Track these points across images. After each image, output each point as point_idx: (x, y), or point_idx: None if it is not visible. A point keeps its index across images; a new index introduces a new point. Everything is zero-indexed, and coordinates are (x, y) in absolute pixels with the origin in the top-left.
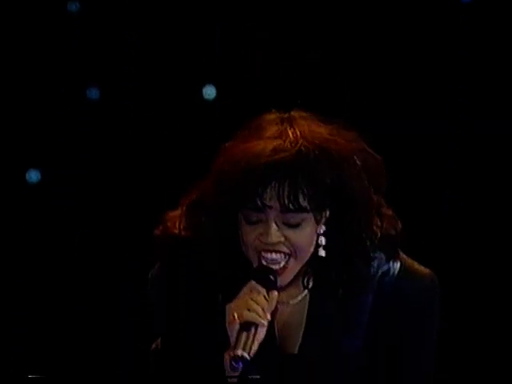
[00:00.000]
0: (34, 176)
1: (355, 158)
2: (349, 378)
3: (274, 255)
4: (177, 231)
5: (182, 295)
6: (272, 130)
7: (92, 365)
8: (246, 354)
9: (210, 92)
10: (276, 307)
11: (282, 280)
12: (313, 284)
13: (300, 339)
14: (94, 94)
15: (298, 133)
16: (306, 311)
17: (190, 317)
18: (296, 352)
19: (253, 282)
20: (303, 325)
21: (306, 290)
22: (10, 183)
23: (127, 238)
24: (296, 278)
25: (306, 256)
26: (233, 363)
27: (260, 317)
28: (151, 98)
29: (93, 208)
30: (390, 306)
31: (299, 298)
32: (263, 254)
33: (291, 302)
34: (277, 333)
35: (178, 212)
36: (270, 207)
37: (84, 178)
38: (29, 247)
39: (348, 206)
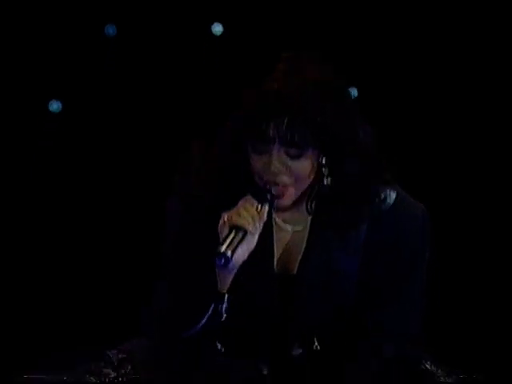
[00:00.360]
0: (55, 106)
1: (345, 98)
2: (344, 297)
3: (275, 187)
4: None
5: (194, 221)
6: (278, 74)
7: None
8: (228, 253)
9: (217, 29)
10: (278, 233)
11: (281, 203)
12: (314, 212)
13: (298, 262)
14: (111, 31)
15: (298, 77)
16: (306, 238)
17: (197, 238)
18: (295, 272)
19: (248, 196)
20: (303, 250)
21: (309, 219)
22: (34, 113)
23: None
24: (299, 206)
25: (304, 185)
26: (216, 260)
27: (248, 223)
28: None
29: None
30: (386, 229)
31: (301, 226)
32: (267, 185)
33: (293, 230)
34: (276, 259)
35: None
36: (274, 139)
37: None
38: (48, 169)
39: (340, 142)
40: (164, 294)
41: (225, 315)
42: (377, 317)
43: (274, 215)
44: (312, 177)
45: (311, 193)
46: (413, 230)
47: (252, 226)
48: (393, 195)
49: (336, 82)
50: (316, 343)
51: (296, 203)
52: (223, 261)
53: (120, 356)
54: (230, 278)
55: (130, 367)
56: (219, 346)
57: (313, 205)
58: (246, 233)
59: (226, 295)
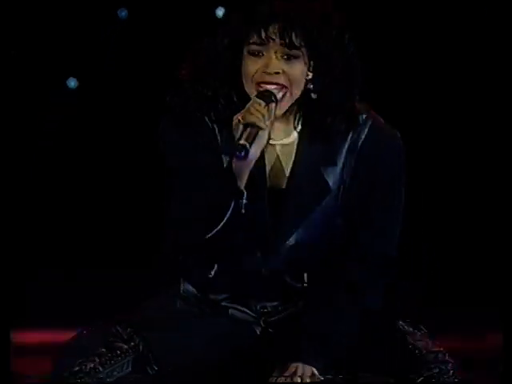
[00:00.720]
0: (72, 83)
1: (345, 28)
2: (330, 213)
3: (272, 86)
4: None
5: (188, 130)
6: None
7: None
8: (247, 145)
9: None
10: (267, 148)
11: (282, 106)
12: (302, 125)
13: (288, 174)
14: (123, 14)
15: None
16: (294, 151)
17: (194, 145)
18: (284, 187)
19: (255, 98)
20: (291, 164)
21: (296, 134)
22: (53, 88)
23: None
24: (288, 120)
25: (298, 92)
26: (237, 153)
27: (259, 120)
28: None
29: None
30: (366, 143)
31: (290, 139)
32: (262, 85)
33: (282, 143)
34: (268, 171)
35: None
36: (273, 40)
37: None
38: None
39: (327, 56)
40: (180, 206)
41: (243, 211)
42: (357, 235)
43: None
44: (303, 84)
45: (298, 110)
46: (391, 157)
47: (263, 122)
48: (370, 116)
49: (339, 13)
50: (305, 280)
51: (284, 116)
52: (243, 153)
53: (128, 330)
54: (247, 174)
55: (138, 340)
56: (214, 269)
57: (300, 117)
58: (259, 128)
59: (245, 191)
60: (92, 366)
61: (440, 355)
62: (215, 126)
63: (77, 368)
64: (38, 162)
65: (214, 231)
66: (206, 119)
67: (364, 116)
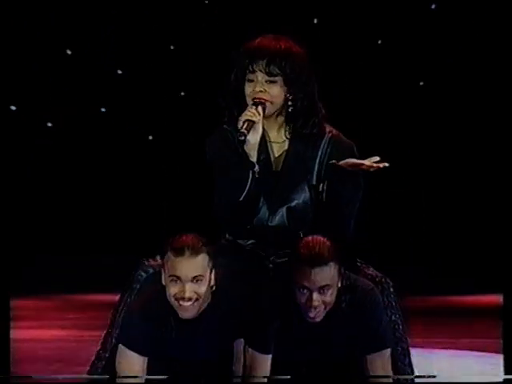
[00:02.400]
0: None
1: (307, 62)
2: (311, 182)
3: (259, 107)
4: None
5: (222, 147)
6: (266, 38)
7: None
8: (245, 131)
9: None
10: (271, 145)
11: (268, 110)
12: (290, 132)
13: (283, 160)
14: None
15: (276, 38)
16: (286, 147)
17: (228, 153)
18: (279, 169)
19: (250, 105)
20: (284, 154)
21: (286, 137)
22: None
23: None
24: (281, 129)
25: (278, 103)
26: (238, 136)
27: (252, 116)
28: None
29: None
30: (330, 142)
31: (283, 140)
32: (254, 99)
33: (278, 141)
34: (272, 159)
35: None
36: (260, 71)
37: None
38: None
39: (299, 81)
40: (224, 181)
41: (257, 175)
42: (328, 212)
43: (266, 137)
44: (281, 100)
45: (282, 112)
46: (353, 154)
47: (256, 117)
48: (331, 130)
49: (304, 53)
50: (301, 234)
51: (279, 127)
52: (243, 137)
53: (153, 262)
54: (255, 152)
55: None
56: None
57: (288, 127)
58: (253, 122)
59: (256, 164)
60: None
61: (383, 279)
62: (233, 132)
63: None
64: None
65: (245, 193)
66: (229, 130)
67: (328, 129)
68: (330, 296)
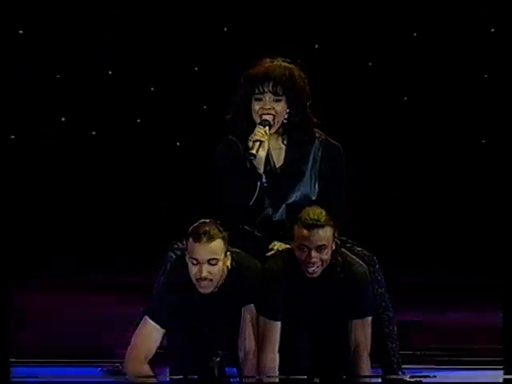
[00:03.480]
0: None
1: (305, 82)
2: (306, 182)
3: (267, 116)
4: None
5: (230, 156)
6: (268, 62)
7: None
8: (254, 152)
9: None
10: (272, 151)
11: (274, 126)
12: (286, 140)
13: (281, 165)
14: None
15: (281, 64)
16: (283, 154)
17: (237, 159)
18: (279, 172)
19: (258, 125)
20: (283, 159)
21: (284, 145)
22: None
23: None
24: (279, 138)
25: (280, 119)
26: (249, 156)
27: (261, 136)
28: None
29: None
30: (321, 148)
31: (281, 147)
32: (262, 116)
33: (277, 148)
34: (274, 160)
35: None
36: (267, 92)
37: None
38: None
39: (300, 99)
40: (235, 190)
41: (265, 184)
42: (323, 199)
43: (270, 149)
44: (284, 115)
45: (283, 133)
46: (340, 154)
47: (264, 137)
48: (322, 136)
49: (302, 74)
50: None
51: (278, 137)
52: (253, 157)
53: (181, 245)
54: (262, 166)
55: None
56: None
57: (285, 136)
58: (261, 142)
59: (264, 175)
60: None
61: (371, 257)
62: (240, 145)
63: None
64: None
65: (254, 198)
66: (236, 141)
67: (317, 135)
68: (325, 254)
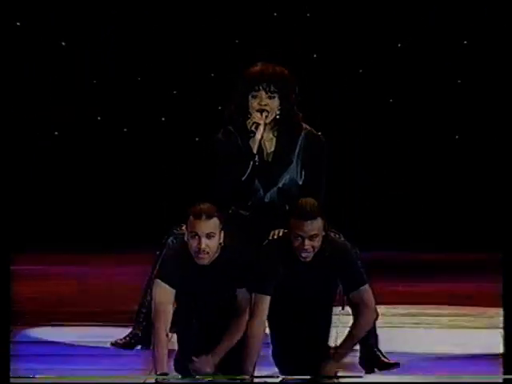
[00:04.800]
0: None
1: (294, 82)
2: (293, 169)
3: (264, 113)
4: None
5: (228, 146)
6: (262, 64)
7: None
8: (254, 130)
9: None
10: (264, 141)
11: (267, 119)
12: (277, 131)
13: (272, 153)
14: None
15: (274, 66)
16: (274, 143)
17: (234, 145)
18: (270, 160)
19: (256, 112)
20: (274, 148)
21: (274, 135)
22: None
23: None
24: (272, 130)
25: (274, 113)
26: (250, 133)
27: (258, 119)
28: None
29: None
30: (307, 138)
31: (272, 137)
32: (258, 109)
33: (268, 139)
34: (266, 148)
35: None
36: (262, 89)
37: None
38: None
39: (289, 97)
40: (230, 168)
41: (257, 163)
42: (305, 188)
43: (263, 138)
44: (277, 110)
45: (274, 128)
46: (323, 144)
47: (261, 121)
48: (307, 128)
49: (291, 75)
50: (287, 207)
51: (271, 128)
52: (252, 134)
53: (180, 230)
54: (256, 145)
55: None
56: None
57: (276, 128)
58: (259, 124)
59: (257, 155)
60: None
61: (347, 241)
62: (237, 135)
63: None
64: None
65: (246, 175)
66: (233, 131)
67: (304, 127)
68: (317, 242)
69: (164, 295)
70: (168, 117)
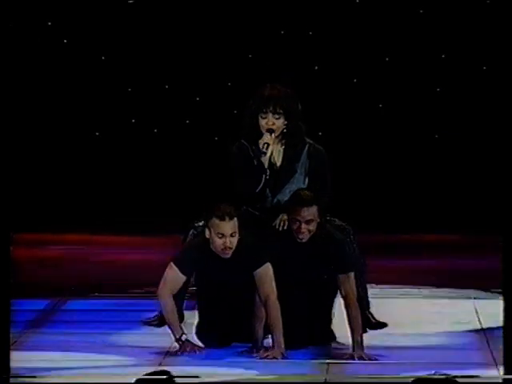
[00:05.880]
0: None
1: (297, 102)
2: (299, 177)
3: (272, 133)
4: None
5: (244, 158)
6: (270, 87)
7: None
8: (264, 150)
9: None
10: (273, 152)
11: (275, 135)
12: (285, 144)
13: (280, 163)
14: None
15: (280, 88)
16: (282, 154)
17: (247, 157)
18: (279, 168)
19: (265, 133)
20: (281, 158)
21: (282, 148)
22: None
23: None
24: (279, 144)
25: (280, 130)
26: (261, 152)
27: (268, 139)
28: None
29: None
30: (310, 150)
31: (280, 150)
32: (268, 129)
33: (277, 150)
34: (275, 159)
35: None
36: (269, 111)
37: None
38: None
39: (293, 115)
40: (245, 181)
41: (267, 177)
42: (312, 187)
43: (272, 149)
44: (283, 127)
45: (281, 139)
46: (324, 156)
47: (270, 141)
48: (310, 142)
49: (294, 95)
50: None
51: (279, 142)
52: (264, 154)
53: (199, 224)
54: (267, 161)
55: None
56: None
57: (283, 142)
58: (268, 144)
59: (268, 170)
60: None
61: (346, 226)
62: (250, 147)
63: None
64: None
65: (259, 188)
66: (247, 144)
67: (307, 141)
68: (312, 226)
69: (175, 278)
70: (191, 119)
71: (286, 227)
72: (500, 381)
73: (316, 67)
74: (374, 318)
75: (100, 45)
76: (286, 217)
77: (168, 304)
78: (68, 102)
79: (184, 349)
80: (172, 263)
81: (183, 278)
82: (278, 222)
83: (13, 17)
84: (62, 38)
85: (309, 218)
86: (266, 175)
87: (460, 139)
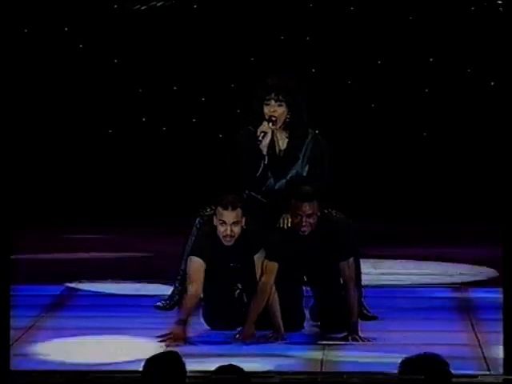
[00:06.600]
0: None
1: (300, 91)
2: (300, 164)
3: (272, 123)
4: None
5: (248, 143)
6: (276, 78)
7: None
8: (260, 139)
9: None
10: (278, 140)
11: (277, 122)
12: (288, 133)
13: (283, 152)
14: None
15: (283, 78)
16: (286, 143)
17: (251, 147)
18: (282, 156)
19: (264, 121)
20: (285, 147)
21: (286, 137)
22: None
23: None
24: (283, 133)
25: (282, 120)
26: (257, 141)
27: (266, 128)
28: None
29: None
30: (312, 141)
31: (283, 139)
32: (268, 116)
33: (281, 139)
34: (279, 147)
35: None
36: (272, 99)
37: None
38: None
39: (296, 104)
40: (247, 165)
41: (266, 162)
42: (310, 180)
43: (275, 137)
44: (285, 116)
45: (285, 132)
46: (325, 147)
47: (268, 130)
48: (313, 132)
49: (298, 87)
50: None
51: (282, 132)
52: (260, 142)
53: (206, 212)
54: (266, 148)
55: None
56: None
57: (287, 131)
58: (266, 132)
59: (266, 156)
60: None
61: (345, 219)
62: (254, 134)
63: None
64: None
65: (259, 172)
66: (252, 130)
67: (310, 131)
68: (313, 220)
69: (197, 267)
70: (198, 118)
71: (289, 224)
72: (500, 381)
73: (313, 69)
74: (366, 309)
75: (113, 50)
76: (288, 216)
77: (193, 295)
78: (83, 102)
79: (176, 336)
80: (191, 257)
81: (204, 264)
82: (281, 221)
83: (43, 27)
84: (78, 43)
85: (310, 212)
86: (265, 161)
87: (454, 136)
